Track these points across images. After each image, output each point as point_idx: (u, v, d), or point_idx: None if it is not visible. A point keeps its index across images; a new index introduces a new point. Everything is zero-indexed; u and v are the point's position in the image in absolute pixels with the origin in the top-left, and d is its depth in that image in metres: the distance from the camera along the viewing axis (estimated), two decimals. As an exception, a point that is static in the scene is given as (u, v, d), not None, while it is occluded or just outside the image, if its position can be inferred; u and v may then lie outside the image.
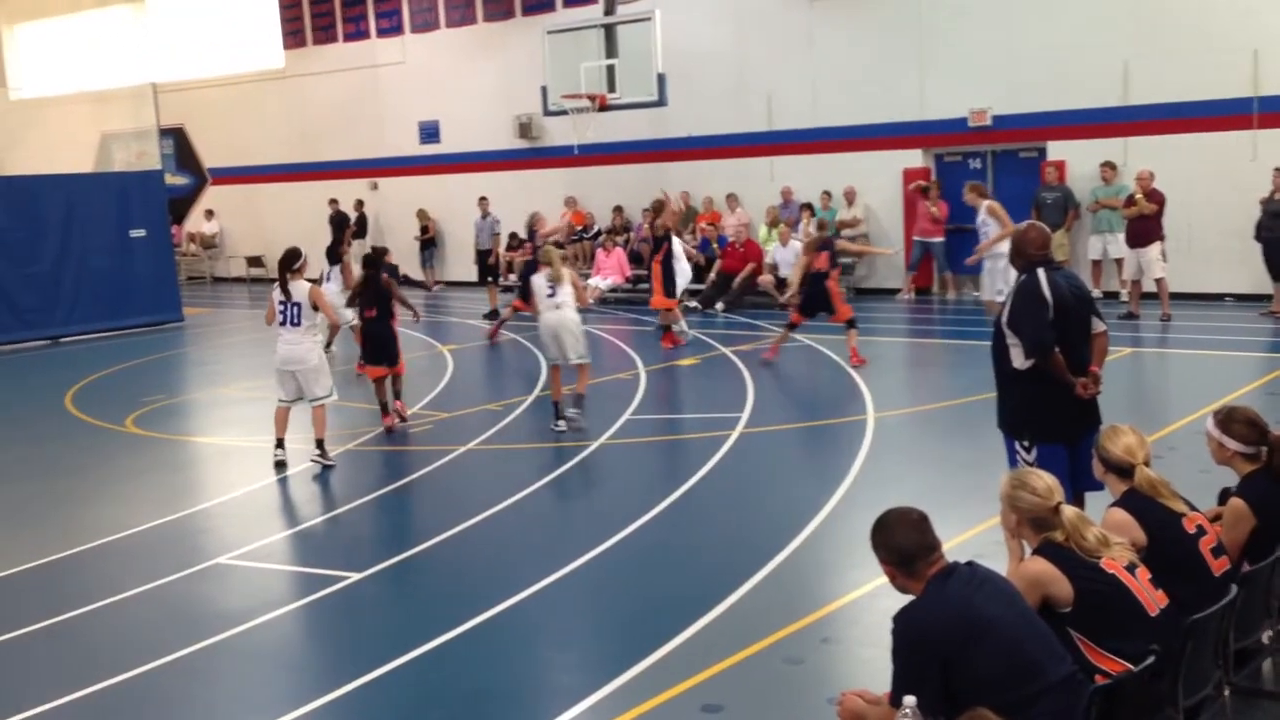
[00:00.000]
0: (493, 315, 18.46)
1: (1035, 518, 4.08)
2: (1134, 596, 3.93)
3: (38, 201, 19.37)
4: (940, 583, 3.72)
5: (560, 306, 10.71)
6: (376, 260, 11.87)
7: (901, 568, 3.80)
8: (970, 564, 3.82)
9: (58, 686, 5.76)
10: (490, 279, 20.18)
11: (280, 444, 10.02)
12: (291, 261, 9.94)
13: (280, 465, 9.93)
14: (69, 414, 13.13)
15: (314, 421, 9.97)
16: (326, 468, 9.83)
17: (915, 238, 18.50)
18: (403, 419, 11.43)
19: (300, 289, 9.87)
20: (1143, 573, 4.01)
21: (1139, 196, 15.36)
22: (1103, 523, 4.32)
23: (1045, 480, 4.12)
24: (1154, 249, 15.25)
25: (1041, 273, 5.93)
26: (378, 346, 11.35)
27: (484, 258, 21.09)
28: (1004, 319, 6.00)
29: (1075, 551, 3.97)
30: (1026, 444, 6.00)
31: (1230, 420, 4.87)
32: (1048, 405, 5.92)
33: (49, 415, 13.18)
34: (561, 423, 10.58)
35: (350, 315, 12.82)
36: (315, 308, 9.90)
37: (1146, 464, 4.51)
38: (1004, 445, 6.23)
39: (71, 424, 12.66)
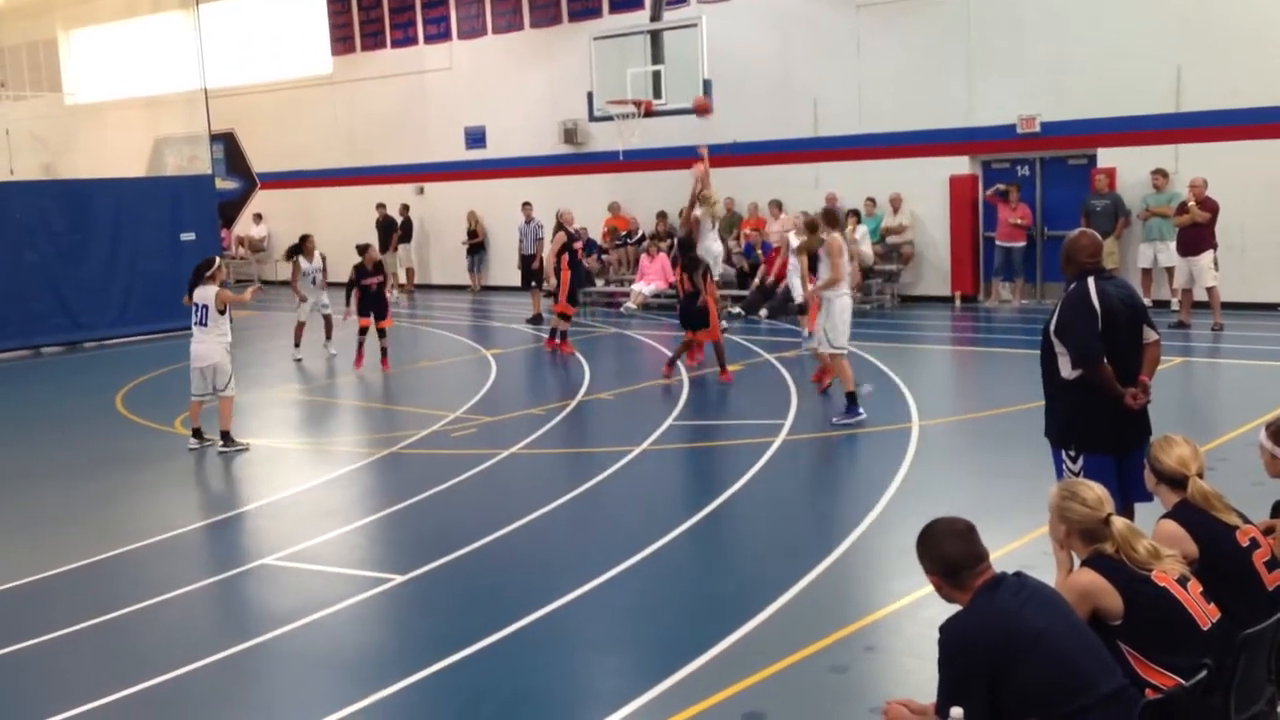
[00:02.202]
0: (536, 320, 18.56)
1: (1085, 529, 4.03)
2: (1185, 610, 3.87)
3: (91, 204, 19.69)
4: (988, 593, 3.68)
5: None
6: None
7: (948, 578, 3.76)
8: (1019, 574, 3.77)
9: (106, 684, 5.83)
10: (534, 284, 20.24)
11: (197, 433, 11.21)
12: (204, 270, 11.19)
13: (192, 451, 11.08)
14: (119, 415, 13.32)
15: (220, 414, 11.07)
16: (239, 451, 10.92)
17: (998, 242, 18.29)
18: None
19: (206, 293, 11.02)
20: (1194, 586, 3.95)
21: (1192, 204, 15.13)
22: (1154, 535, 4.25)
23: (1095, 491, 4.07)
24: (1206, 257, 15.02)
25: (1091, 281, 5.83)
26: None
27: (527, 263, 21.17)
28: (1052, 327, 5.90)
29: (1125, 563, 3.92)
30: (1073, 454, 5.91)
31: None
32: (1095, 415, 5.81)
33: (99, 416, 13.38)
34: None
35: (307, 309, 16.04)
36: (222, 310, 11.03)
37: (1200, 475, 4.43)
38: (1051, 456, 6.15)
39: (121, 425, 12.84)
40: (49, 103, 25.95)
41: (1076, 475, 5.70)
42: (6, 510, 9.57)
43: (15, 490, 10.19)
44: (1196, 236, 15.07)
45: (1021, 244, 18.13)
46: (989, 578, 3.73)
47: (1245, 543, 4.28)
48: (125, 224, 19.87)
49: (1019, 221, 17.91)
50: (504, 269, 24.16)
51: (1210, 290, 15.08)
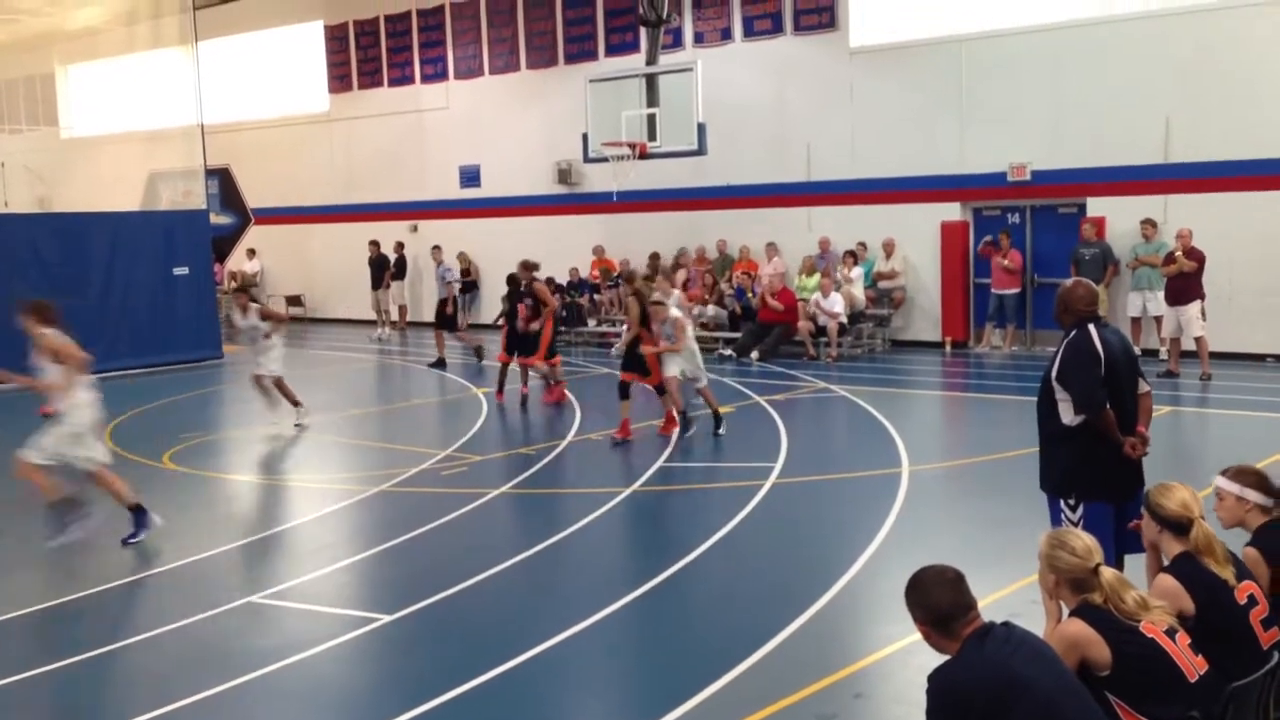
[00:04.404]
0: (439, 364, 19.01)
1: (1074, 578, 4.03)
2: (1173, 661, 3.87)
3: (86, 238, 19.71)
4: (977, 642, 3.68)
5: None
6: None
7: (937, 627, 3.76)
8: (1007, 624, 3.77)
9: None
10: (448, 327, 20.41)
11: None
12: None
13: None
14: (108, 449, 13.23)
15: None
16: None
17: (993, 290, 18.40)
18: None
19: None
20: (1182, 638, 3.95)
21: (1178, 254, 15.26)
22: (1152, 589, 4.25)
23: (1084, 540, 4.08)
24: (1193, 307, 15.11)
25: (1092, 328, 5.85)
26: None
27: (439, 306, 21.08)
28: (1053, 374, 5.87)
29: (1113, 614, 3.92)
30: (1072, 502, 5.86)
31: (1242, 473, 4.87)
32: (1096, 463, 5.78)
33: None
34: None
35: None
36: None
37: (1203, 518, 4.42)
38: (1046, 505, 6.08)
39: (110, 459, 12.76)
40: (45, 136, 26.09)
41: (1076, 524, 5.68)
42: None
43: (3, 523, 10.12)
44: (1184, 286, 15.18)
45: (1015, 290, 18.24)
46: (978, 627, 3.73)
47: (1243, 600, 4.27)
48: (119, 257, 19.88)
49: (1010, 265, 18.02)
50: (497, 308, 24.16)
51: (1198, 340, 15.17)
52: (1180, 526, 4.42)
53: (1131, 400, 5.91)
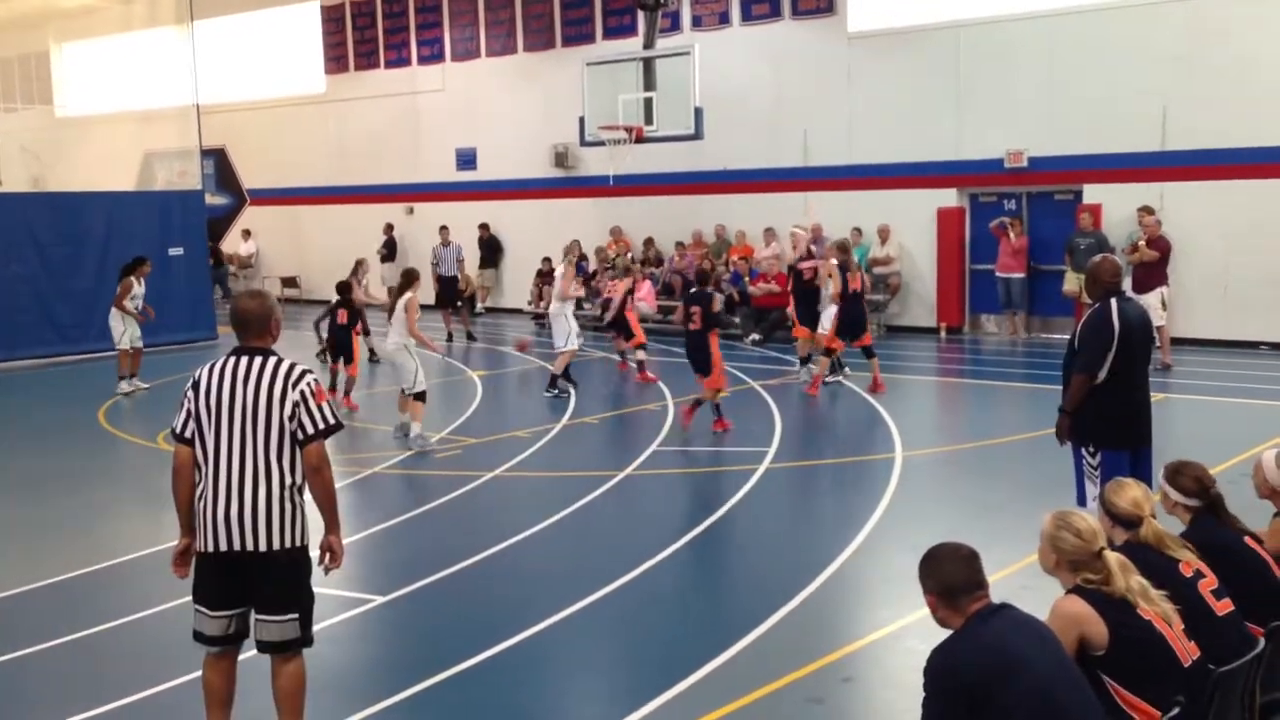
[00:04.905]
0: (449, 338, 19.80)
1: (1075, 560, 4.07)
2: (1169, 645, 3.92)
3: (81, 217, 19.66)
4: (980, 621, 3.74)
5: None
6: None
7: (945, 599, 3.82)
8: (1009, 605, 3.82)
9: (74, 702, 5.79)
10: (457, 304, 20.92)
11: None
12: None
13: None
14: (102, 429, 13.27)
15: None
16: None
17: (997, 274, 18.38)
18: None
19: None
20: (1177, 623, 4.00)
21: (1141, 243, 15.29)
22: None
23: (1089, 523, 4.12)
24: (1153, 296, 15.05)
25: (1114, 302, 6.69)
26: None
27: (447, 284, 21.18)
28: (1076, 338, 6.81)
29: (1112, 595, 3.96)
30: (1091, 449, 6.73)
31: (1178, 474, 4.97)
32: (1110, 416, 6.67)
33: (82, 430, 13.32)
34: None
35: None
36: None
37: (1153, 516, 4.51)
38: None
39: (103, 439, 12.80)
40: (39, 115, 25.95)
41: (1095, 469, 6.66)
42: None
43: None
44: (1146, 275, 15.20)
45: (1021, 275, 18.21)
46: (984, 605, 3.78)
47: (1189, 574, 4.33)
48: (114, 237, 19.78)
49: (1018, 248, 17.94)
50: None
51: (1159, 329, 15.09)
52: (1130, 523, 4.52)
53: (1143, 366, 6.82)
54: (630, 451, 11.04)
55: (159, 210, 20.89)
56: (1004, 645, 3.62)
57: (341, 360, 14.13)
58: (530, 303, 22.31)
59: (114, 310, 15.62)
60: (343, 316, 14.27)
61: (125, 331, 15.54)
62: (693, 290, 12.41)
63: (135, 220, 20.26)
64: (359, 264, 16.74)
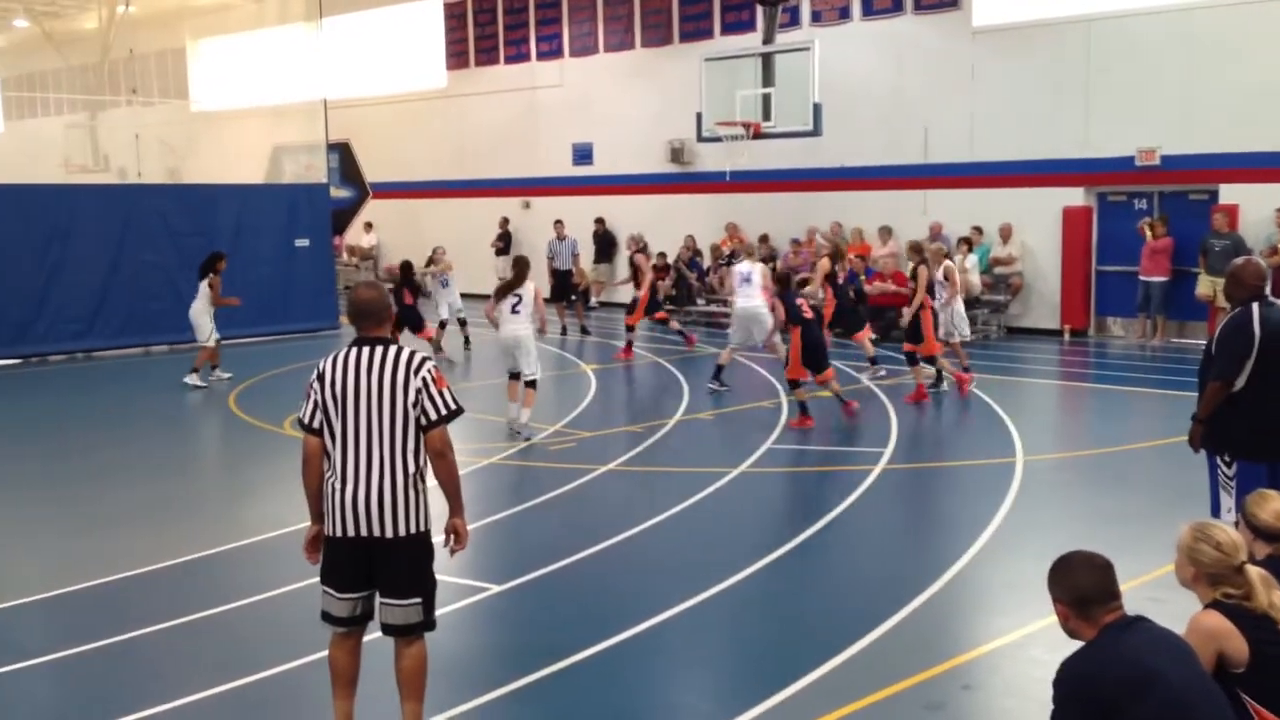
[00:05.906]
0: (564, 331, 20.32)
1: (1214, 573, 3.92)
2: (1311, 666, 3.74)
3: (213, 209, 20.34)
4: (1115, 632, 3.61)
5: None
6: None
7: (1076, 609, 3.69)
8: (1143, 618, 3.70)
9: (205, 678, 5.98)
10: (572, 298, 21.22)
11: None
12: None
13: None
14: (232, 414, 13.70)
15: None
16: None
17: (1140, 277, 17.74)
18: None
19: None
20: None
21: None
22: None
23: (1230, 535, 3.96)
24: None
25: (1256, 307, 6.40)
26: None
27: (562, 278, 21.37)
28: (1213, 343, 6.53)
29: (1253, 611, 3.80)
30: (1227, 459, 6.44)
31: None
32: (1250, 425, 6.36)
33: (213, 415, 13.78)
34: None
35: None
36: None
37: None
38: (1206, 471, 6.59)
39: (234, 424, 13.21)
40: (176, 109, 26.89)
41: (1230, 480, 6.37)
42: (127, 502, 9.89)
43: (136, 481, 10.53)
44: None
45: (1161, 279, 17.54)
46: (1119, 617, 3.65)
47: None
48: (243, 228, 20.45)
49: (1159, 249, 17.33)
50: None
51: None
52: (1271, 536, 4.34)
53: None
54: (744, 449, 10.99)
55: (286, 203, 21.52)
56: (1140, 658, 3.50)
57: (406, 330, 16.15)
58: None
59: (199, 307, 15.71)
60: (408, 297, 16.50)
61: (212, 329, 15.78)
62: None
63: (263, 212, 20.92)
64: (436, 251, 18.82)
